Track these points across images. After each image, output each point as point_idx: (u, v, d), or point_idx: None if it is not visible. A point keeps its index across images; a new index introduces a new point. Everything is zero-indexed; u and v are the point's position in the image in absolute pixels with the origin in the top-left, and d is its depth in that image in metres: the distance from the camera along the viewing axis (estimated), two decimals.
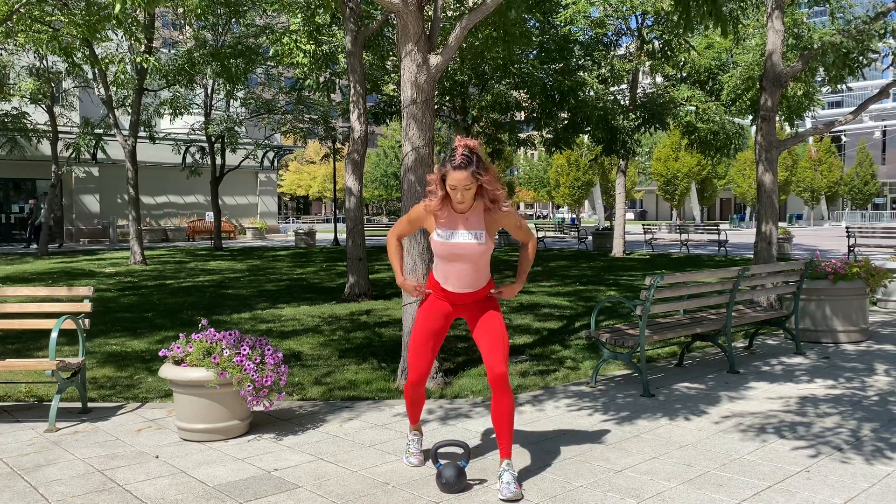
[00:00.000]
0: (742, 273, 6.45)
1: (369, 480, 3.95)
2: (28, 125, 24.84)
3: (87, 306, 5.39)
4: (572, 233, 26.62)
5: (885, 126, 54.63)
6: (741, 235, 33.39)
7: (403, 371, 5.93)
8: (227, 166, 26.73)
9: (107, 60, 16.61)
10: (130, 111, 19.81)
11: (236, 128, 25.95)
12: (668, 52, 19.61)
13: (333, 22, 13.02)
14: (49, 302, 5.59)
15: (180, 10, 15.80)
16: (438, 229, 3.69)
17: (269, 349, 4.69)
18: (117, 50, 20.22)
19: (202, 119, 26.46)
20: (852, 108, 10.69)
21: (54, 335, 5.05)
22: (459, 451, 4.07)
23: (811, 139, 51.63)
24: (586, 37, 18.99)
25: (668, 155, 50.24)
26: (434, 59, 5.72)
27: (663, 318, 6.98)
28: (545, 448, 4.43)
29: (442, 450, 4.18)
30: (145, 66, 16.86)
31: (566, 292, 12.00)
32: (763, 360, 6.89)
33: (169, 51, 25.20)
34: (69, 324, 5.24)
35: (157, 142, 26.57)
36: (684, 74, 20.08)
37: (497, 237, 28.53)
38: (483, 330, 3.81)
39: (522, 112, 22.09)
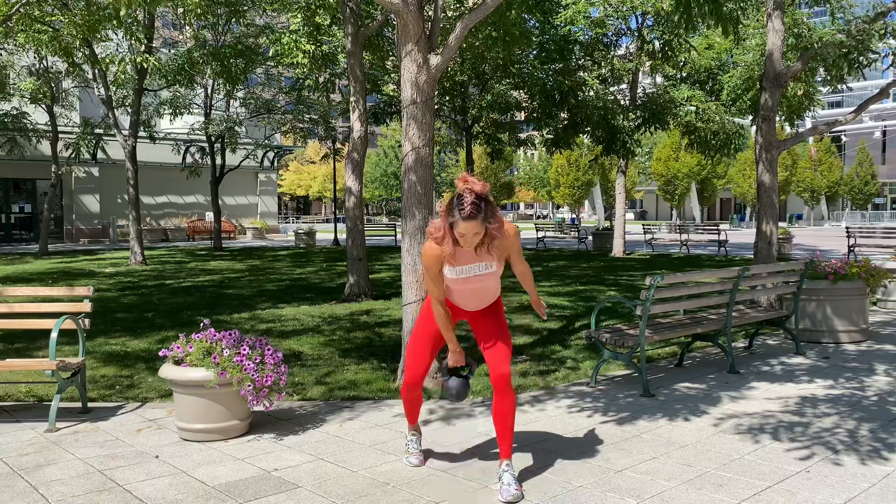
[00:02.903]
0: (742, 273, 6.45)
1: (369, 480, 3.96)
2: (28, 125, 24.84)
3: (87, 306, 5.39)
4: (572, 233, 26.61)
5: (885, 126, 54.61)
6: (741, 235, 33.39)
7: (403, 371, 5.93)
8: (227, 166, 26.72)
9: (107, 60, 16.60)
10: (130, 111, 19.81)
11: (236, 128, 25.94)
12: (668, 52, 19.62)
13: (333, 22, 13.01)
14: (49, 302, 5.59)
15: (180, 9, 15.79)
16: (450, 266, 3.66)
17: (269, 349, 4.69)
18: (117, 50, 20.22)
19: (202, 119, 26.46)
20: (852, 108, 10.69)
21: (54, 335, 5.05)
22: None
23: (811, 139, 51.63)
24: (586, 37, 19.00)
25: (668, 155, 50.24)
26: (434, 59, 5.72)
27: (663, 318, 6.98)
28: (545, 448, 4.43)
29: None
30: (145, 66, 16.87)
31: (566, 292, 12.00)
32: (763, 361, 6.89)
33: (169, 51, 25.19)
34: (69, 324, 5.24)
35: (157, 142, 26.56)
36: (684, 74, 20.09)
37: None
38: (486, 330, 3.82)
39: (522, 112, 22.10)
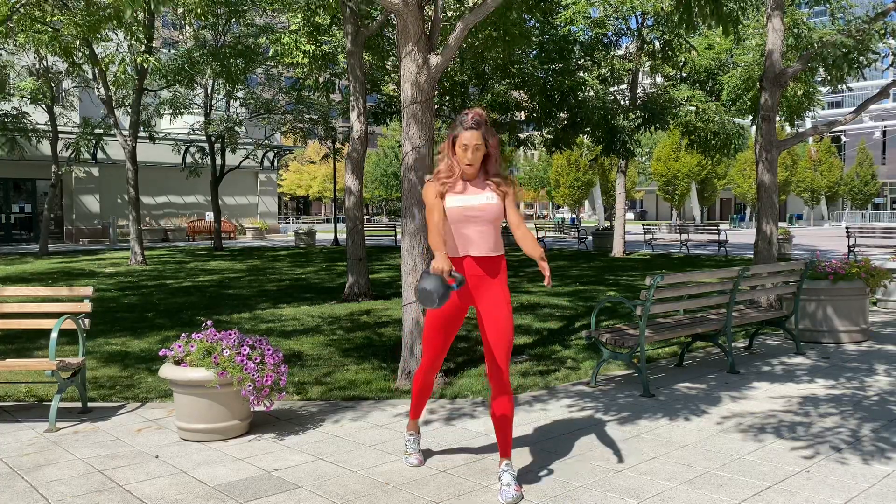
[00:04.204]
0: (742, 273, 6.45)
1: (369, 480, 3.95)
2: (28, 125, 24.84)
3: (87, 306, 5.39)
4: (572, 233, 26.62)
5: (885, 126, 54.61)
6: (741, 235, 33.39)
7: (404, 371, 5.93)
8: (227, 166, 26.72)
9: (107, 60, 16.61)
10: (130, 111, 19.81)
11: (236, 128, 25.94)
12: (668, 52, 19.62)
13: (333, 22, 13.02)
14: (49, 302, 5.59)
15: (180, 9, 15.79)
16: (452, 196, 3.75)
17: (269, 349, 4.69)
18: (117, 50, 20.21)
19: (202, 119, 26.46)
20: (852, 108, 10.68)
21: (54, 335, 5.05)
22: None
23: (811, 139, 51.63)
24: (586, 37, 19.00)
25: (668, 155, 50.26)
26: (434, 59, 5.72)
27: (663, 318, 6.98)
28: (545, 448, 4.43)
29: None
30: (145, 66, 16.86)
31: (566, 292, 12.00)
32: (763, 361, 6.89)
33: (169, 51, 25.19)
34: (69, 324, 5.24)
35: (157, 142, 26.57)
36: (684, 74, 20.09)
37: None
38: (490, 325, 3.72)
39: (522, 112, 22.09)
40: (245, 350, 4.56)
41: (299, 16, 12.66)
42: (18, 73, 23.34)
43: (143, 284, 13.91)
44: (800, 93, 14.74)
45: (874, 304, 10.00)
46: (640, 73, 21.12)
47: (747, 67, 15.19)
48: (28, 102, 23.24)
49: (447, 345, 3.96)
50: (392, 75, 18.04)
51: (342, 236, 28.63)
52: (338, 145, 28.71)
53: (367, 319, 9.35)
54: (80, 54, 15.63)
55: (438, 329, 3.88)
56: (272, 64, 23.12)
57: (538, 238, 25.75)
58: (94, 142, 27.73)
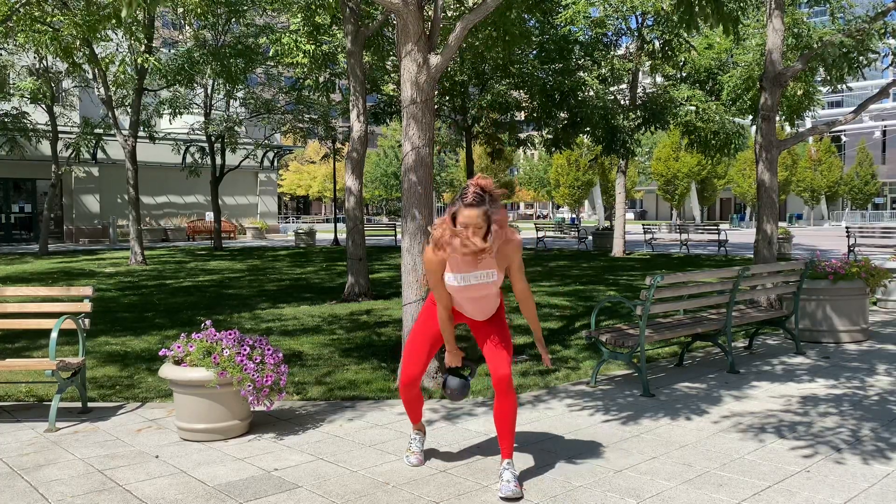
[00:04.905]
0: (742, 273, 6.45)
1: (369, 480, 3.95)
2: (28, 125, 24.84)
3: (87, 306, 5.39)
4: (572, 233, 26.60)
5: (885, 126, 54.60)
6: (741, 235, 33.39)
7: (402, 358, 5.93)
8: (226, 166, 26.72)
9: (107, 60, 16.61)
10: (130, 111, 19.81)
11: (236, 128, 25.94)
12: (668, 52, 19.62)
13: (333, 22, 13.02)
14: (49, 302, 5.59)
15: (180, 9, 15.79)
16: (452, 273, 3.64)
17: (269, 349, 4.69)
18: (117, 50, 20.22)
19: (202, 119, 26.46)
20: (852, 108, 10.68)
21: (54, 335, 5.05)
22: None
23: (811, 139, 51.63)
24: (586, 37, 19.00)
25: (668, 155, 50.24)
26: (434, 59, 5.72)
27: (663, 318, 6.98)
28: (545, 448, 4.43)
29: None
30: (145, 66, 16.87)
31: (566, 292, 12.00)
32: (763, 360, 6.89)
33: (169, 51, 25.19)
34: (69, 324, 5.24)
35: (157, 142, 26.55)
36: (684, 74, 20.08)
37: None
38: (486, 333, 3.83)
39: (522, 112, 22.10)
40: (245, 350, 4.56)
41: (299, 16, 12.66)
42: (18, 73, 23.33)
43: (143, 284, 13.91)
44: (800, 93, 14.74)
45: (874, 303, 10.00)
46: (640, 73, 21.12)
47: (747, 67, 15.19)
48: (28, 102, 23.25)
49: (430, 358, 3.99)
50: (392, 75, 18.04)
51: (342, 236, 28.63)
52: (338, 145, 28.71)
53: (367, 319, 9.35)
54: (80, 54, 15.62)
55: (423, 344, 3.92)
56: (272, 64, 23.11)
57: (538, 238, 25.73)
58: (94, 142, 27.73)
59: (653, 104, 19.51)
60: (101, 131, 26.61)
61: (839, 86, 11.91)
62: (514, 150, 40.90)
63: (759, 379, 6.13)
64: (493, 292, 3.73)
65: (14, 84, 22.37)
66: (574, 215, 57.94)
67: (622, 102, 20.79)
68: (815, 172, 52.20)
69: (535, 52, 18.20)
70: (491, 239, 3.47)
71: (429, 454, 4.32)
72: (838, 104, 57.41)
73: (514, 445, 3.91)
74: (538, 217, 79.17)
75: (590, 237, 25.45)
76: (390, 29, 13.22)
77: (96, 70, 18.46)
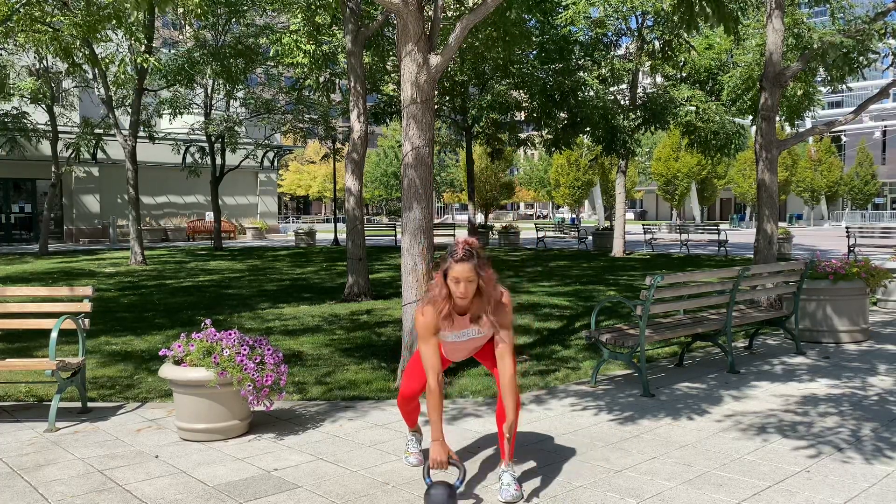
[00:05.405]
0: (742, 273, 6.45)
1: (369, 480, 3.95)
2: (28, 125, 24.84)
3: (87, 306, 5.39)
4: (572, 233, 26.61)
5: (885, 126, 54.61)
6: (741, 235, 33.39)
7: (402, 372, 5.92)
8: (227, 166, 26.72)
9: (107, 60, 16.57)
10: (130, 111, 19.81)
11: (236, 128, 25.94)
12: (668, 52, 19.62)
13: (333, 22, 13.02)
14: (49, 302, 5.59)
15: (180, 10, 15.79)
16: (446, 332, 3.77)
17: (269, 349, 4.69)
18: (117, 50, 20.20)
19: (202, 119, 26.45)
20: (852, 108, 10.69)
21: (54, 335, 5.05)
22: (455, 470, 3.78)
23: (811, 139, 51.63)
24: (586, 37, 19.00)
25: (668, 155, 50.21)
26: (434, 59, 5.72)
27: (663, 318, 6.98)
28: (545, 448, 4.43)
29: (434, 470, 3.66)
30: (145, 66, 16.85)
31: (566, 292, 12.00)
32: (763, 360, 6.89)
33: (169, 51, 25.19)
34: (69, 324, 5.23)
35: (156, 142, 26.56)
36: (684, 74, 20.09)
37: (497, 237, 28.49)
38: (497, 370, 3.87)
39: (522, 112, 22.10)
40: (245, 350, 4.56)
41: (299, 16, 12.66)
42: (18, 73, 23.33)
43: (142, 284, 13.91)
44: (800, 93, 14.74)
45: (874, 303, 9.99)
46: (640, 73, 21.12)
47: (747, 67, 15.20)
48: (28, 102, 23.24)
49: None
50: (392, 75, 18.04)
51: (342, 236, 28.62)
52: (338, 145, 28.72)
53: (367, 319, 9.35)
54: (80, 54, 15.61)
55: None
56: (272, 64, 23.10)
57: (538, 238, 25.72)
58: (94, 142, 27.71)
59: (653, 104, 19.51)
60: (101, 131, 26.60)
61: (839, 86, 11.91)
62: (514, 150, 40.92)
63: (760, 379, 6.13)
64: (483, 343, 3.89)
65: (14, 84, 22.36)
66: (574, 215, 57.95)
67: (622, 102, 20.80)
68: (815, 172, 52.19)
69: (534, 52, 18.21)
70: (486, 300, 3.63)
71: (429, 454, 4.31)
72: (838, 104, 57.41)
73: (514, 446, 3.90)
74: (538, 217, 79.16)
75: (590, 237, 25.45)
76: (390, 29, 13.23)
77: (96, 70, 18.46)
